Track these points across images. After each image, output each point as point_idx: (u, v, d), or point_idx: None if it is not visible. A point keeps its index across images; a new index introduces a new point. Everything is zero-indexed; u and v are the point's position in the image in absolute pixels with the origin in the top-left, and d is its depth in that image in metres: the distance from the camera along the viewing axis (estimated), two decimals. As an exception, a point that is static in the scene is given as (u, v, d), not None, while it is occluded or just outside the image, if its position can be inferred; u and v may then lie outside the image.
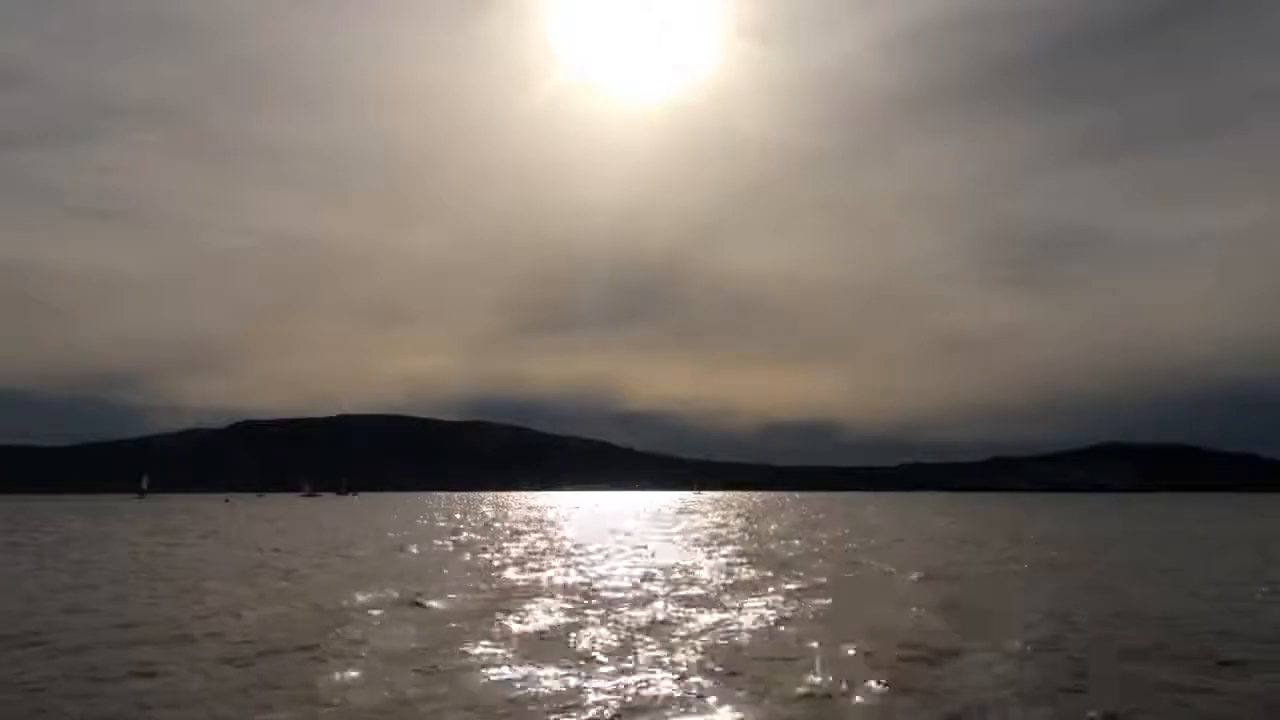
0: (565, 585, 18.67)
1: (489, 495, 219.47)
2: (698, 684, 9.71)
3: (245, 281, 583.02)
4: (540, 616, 14.33)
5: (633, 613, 14.62)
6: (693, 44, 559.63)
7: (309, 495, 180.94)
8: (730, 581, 19.44)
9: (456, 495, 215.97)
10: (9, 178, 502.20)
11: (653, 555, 26.95)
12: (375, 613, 14.86)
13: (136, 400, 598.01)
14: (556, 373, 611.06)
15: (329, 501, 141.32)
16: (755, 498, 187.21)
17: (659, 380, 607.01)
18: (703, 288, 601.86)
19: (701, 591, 17.56)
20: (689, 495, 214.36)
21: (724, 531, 42.57)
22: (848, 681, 9.78)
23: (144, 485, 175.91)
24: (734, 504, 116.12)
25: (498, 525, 49.91)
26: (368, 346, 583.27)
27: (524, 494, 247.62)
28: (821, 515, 71.48)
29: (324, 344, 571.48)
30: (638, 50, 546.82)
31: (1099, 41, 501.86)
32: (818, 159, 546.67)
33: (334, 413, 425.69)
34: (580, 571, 21.81)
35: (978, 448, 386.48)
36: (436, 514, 71.00)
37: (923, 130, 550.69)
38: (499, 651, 11.47)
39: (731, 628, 13.27)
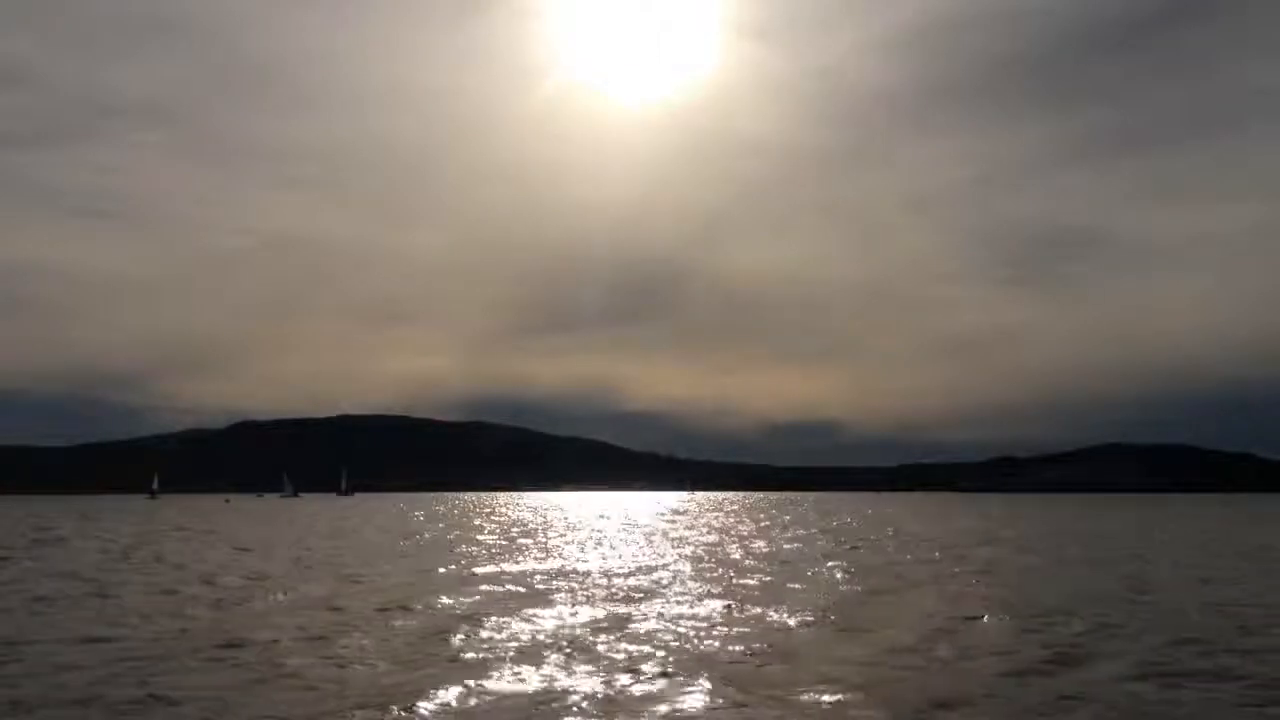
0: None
1: (487, 496, 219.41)
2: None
3: (245, 281, 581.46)
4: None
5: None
6: (693, 44, 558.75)
7: (290, 495, 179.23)
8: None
9: (454, 496, 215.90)
10: (9, 178, 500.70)
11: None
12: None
13: (136, 400, 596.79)
14: (556, 373, 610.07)
15: (308, 502, 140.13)
16: (746, 498, 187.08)
17: (659, 380, 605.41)
18: (703, 288, 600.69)
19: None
20: (682, 496, 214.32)
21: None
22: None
23: (155, 485, 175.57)
24: (705, 505, 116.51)
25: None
26: (368, 346, 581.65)
27: (523, 494, 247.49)
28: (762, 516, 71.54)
29: (324, 344, 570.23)
30: (638, 50, 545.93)
31: (1099, 41, 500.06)
32: (818, 159, 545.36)
33: (334, 413, 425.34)
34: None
35: (978, 448, 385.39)
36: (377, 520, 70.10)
37: (923, 130, 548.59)
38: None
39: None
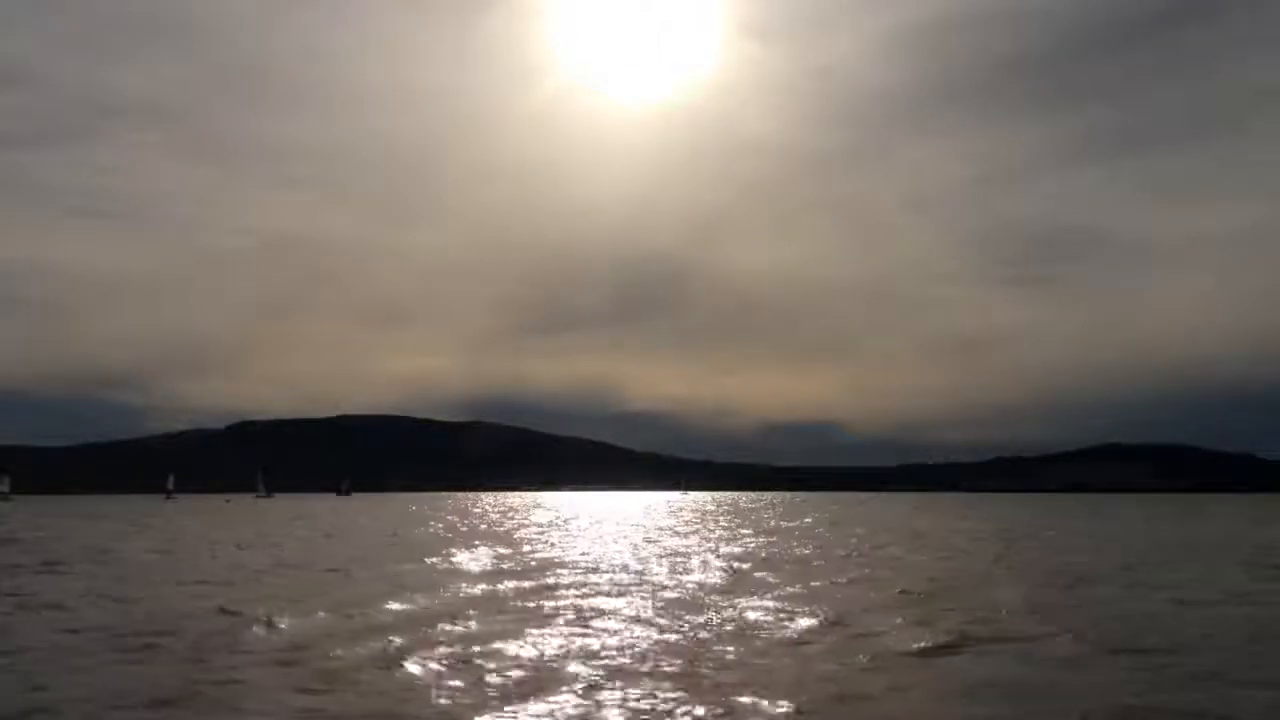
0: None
1: (487, 496, 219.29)
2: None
3: (245, 281, 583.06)
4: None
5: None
6: (693, 44, 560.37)
7: (263, 496, 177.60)
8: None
9: (454, 496, 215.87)
10: (9, 178, 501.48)
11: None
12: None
13: (136, 400, 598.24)
14: (556, 373, 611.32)
15: (277, 503, 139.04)
16: (738, 498, 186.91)
17: (659, 380, 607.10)
18: (703, 288, 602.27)
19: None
20: (675, 495, 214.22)
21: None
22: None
23: (171, 486, 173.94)
24: (684, 506, 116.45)
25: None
26: (368, 346, 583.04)
27: (524, 494, 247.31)
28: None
29: (324, 344, 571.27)
30: (638, 50, 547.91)
31: (1099, 41, 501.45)
32: (818, 159, 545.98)
33: (334, 413, 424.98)
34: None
35: (978, 448, 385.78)
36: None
37: (923, 130, 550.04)
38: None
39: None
